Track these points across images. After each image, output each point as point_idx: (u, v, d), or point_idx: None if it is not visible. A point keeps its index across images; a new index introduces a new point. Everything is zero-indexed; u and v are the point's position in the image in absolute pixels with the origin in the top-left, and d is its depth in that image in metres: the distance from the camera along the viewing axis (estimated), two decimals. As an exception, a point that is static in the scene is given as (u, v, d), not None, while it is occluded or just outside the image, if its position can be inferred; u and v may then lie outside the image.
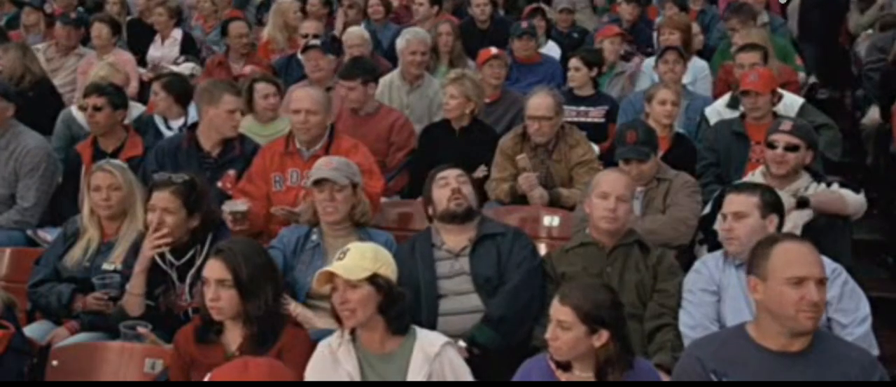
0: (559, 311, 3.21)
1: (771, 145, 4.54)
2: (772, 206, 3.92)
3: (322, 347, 3.41)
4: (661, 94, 5.60)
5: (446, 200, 4.21)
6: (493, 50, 6.37)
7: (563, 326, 3.19)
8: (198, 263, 4.07)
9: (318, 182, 4.24)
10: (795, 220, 4.29)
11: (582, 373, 3.25)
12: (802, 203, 4.33)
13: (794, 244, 3.05)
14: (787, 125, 4.55)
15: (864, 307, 3.75)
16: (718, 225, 4.34)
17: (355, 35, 7.20)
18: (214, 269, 3.44)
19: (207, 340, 3.50)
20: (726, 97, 6.12)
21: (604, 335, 3.20)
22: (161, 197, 4.06)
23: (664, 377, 3.52)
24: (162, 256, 4.11)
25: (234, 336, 3.49)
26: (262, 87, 5.93)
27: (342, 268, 3.31)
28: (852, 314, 3.71)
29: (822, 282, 2.96)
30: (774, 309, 2.98)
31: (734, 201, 3.92)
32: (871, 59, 7.49)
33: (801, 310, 2.92)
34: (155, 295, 4.07)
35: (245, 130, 5.69)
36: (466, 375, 3.42)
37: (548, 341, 3.22)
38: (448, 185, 4.23)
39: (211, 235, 4.16)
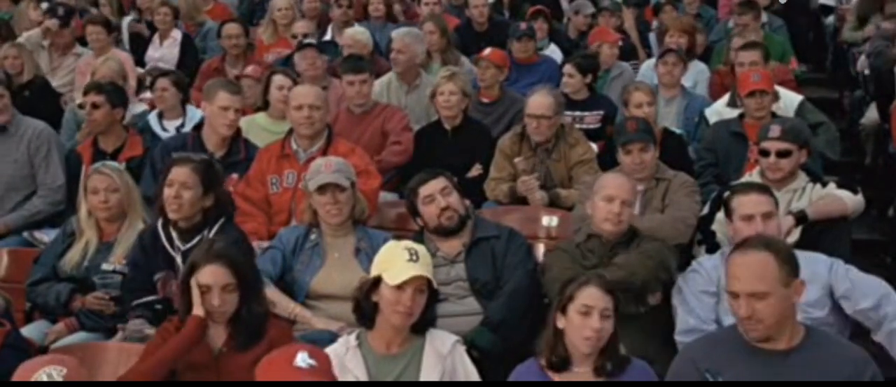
0: (602, 299, 3.25)
1: (763, 153, 4.54)
2: (801, 217, 4.04)
3: (327, 353, 3.38)
4: (635, 98, 5.58)
5: (436, 216, 4.20)
6: (486, 51, 6.38)
7: (606, 314, 3.24)
8: None
9: (321, 187, 4.23)
10: (789, 223, 4.29)
11: (580, 369, 3.27)
12: (801, 219, 4.33)
13: (738, 256, 3.12)
14: (775, 131, 4.53)
15: (881, 284, 3.78)
16: (723, 225, 4.36)
17: (358, 35, 7.18)
18: (218, 275, 3.44)
19: None
20: (726, 97, 6.12)
21: (615, 320, 3.27)
22: (180, 172, 4.13)
23: None
24: (169, 240, 4.16)
25: (218, 333, 3.50)
26: (278, 79, 5.93)
27: (428, 270, 3.35)
28: (876, 293, 3.72)
29: (754, 295, 3.00)
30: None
31: (760, 203, 3.90)
32: (876, 44, 7.44)
33: (741, 322, 3.03)
34: (154, 281, 4.08)
35: (258, 126, 5.74)
36: (473, 373, 3.44)
37: (586, 335, 3.22)
38: (434, 201, 4.21)
39: (219, 223, 4.19)
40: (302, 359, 2.80)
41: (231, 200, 4.50)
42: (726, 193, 4.17)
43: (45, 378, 2.87)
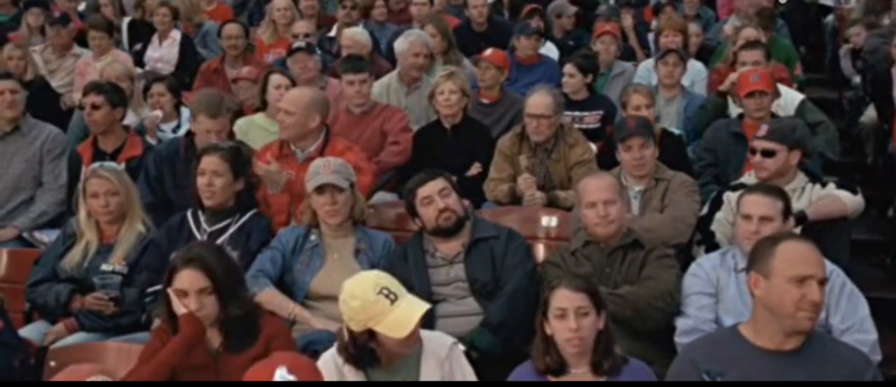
0: (575, 298, 3.23)
1: (753, 151, 4.55)
2: (789, 210, 3.95)
3: (326, 360, 3.34)
4: (633, 100, 5.57)
5: (434, 218, 4.19)
6: (487, 52, 6.39)
7: (582, 312, 3.22)
8: (230, 231, 4.35)
9: (320, 187, 4.24)
10: (789, 223, 4.28)
11: (578, 370, 3.27)
12: (801, 219, 4.32)
13: (798, 243, 3.05)
14: (762, 130, 4.54)
15: (864, 311, 3.74)
16: (723, 225, 4.36)
17: (357, 36, 7.18)
18: (193, 279, 3.43)
19: None
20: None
21: (602, 317, 3.26)
22: (210, 160, 4.35)
23: None
24: (197, 223, 4.35)
25: (213, 334, 3.50)
26: (275, 79, 5.94)
27: (414, 299, 3.26)
28: (852, 317, 3.70)
29: (823, 282, 2.97)
30: (774, 307, 2.98)
31: (760, 204, 3.88)
32: (871, 41, 7.45)
33: (802, 309, 2.93)
34: (171, 260, 4.11)
35: (257, 126, 5.75)
36: (471, 374, 3.43)
37: (567, 338, 3.21)
38: (432, 203, 4.19)
39: (249, 214, 4.41)
40: (280, 375, 2.77)
41: (259, 183, 4.71)
42: (742, 191, 4.15)
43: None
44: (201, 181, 4.34)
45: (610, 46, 7.21)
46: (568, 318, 3.22)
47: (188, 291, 3.43)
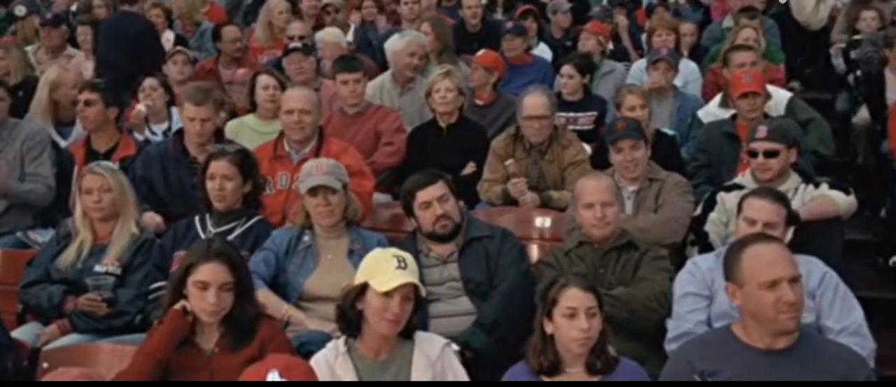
0: (585, 298, 3.25)
1: (752, 154, 4.55)
2: (791, 216, 3.92)
3: (318, 361, 3.35)
4: (628, 101, 5.61)
5: (431, 223, 4.19)
6: (479, 53, 6.40)
7: (591, 312, 3.25)
8: (235, 233, 4.35)
9: (313, 189, 4.24)
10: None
11: (572, 370, 3.27)
12: (793, 220, 4.32)
13: (762, 246, 3.05)
14: (762, 131, 4.54)
15: (858, 316, 3.73)
16: (717, 226, 4.36)
17: (328, 37, 7.20)
18: (217, 273, 3.41)
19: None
20: (718, 98, 6.15)
21: (602, 317, 3.27)
22: (219, 165, 4.37)
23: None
24: (202, 223, 4.38)
25: (210, 334, 3.49)
26: (263, 79, 5.92)
27: (415, 277, 3.32)
28: (846, 320, 3.69)
29: (795, 280, 2.97)
30: (755, 313, 3.01)
31: (765, 210, 3.84)
32: (864, 49, 7.47)
33: (780, 311, 2.95)
34: (174, 256, 4.19)
35: (248, 127, 5.74)
36: (463, 375, 3.43)
37: (575, 337, 3.22)
38: (431, 207, 4.19)
39: (255, 219, 4.43)
40: (272, 378, 2.80)
41: (266, 183, 4.75)
42: (745, 193, 4.13)
43: None
44: (211, 186, 4.36)
45: (589, 41, 7.19)
46: (579, 317, 3.23)
47: (210, 284, 3.40)
